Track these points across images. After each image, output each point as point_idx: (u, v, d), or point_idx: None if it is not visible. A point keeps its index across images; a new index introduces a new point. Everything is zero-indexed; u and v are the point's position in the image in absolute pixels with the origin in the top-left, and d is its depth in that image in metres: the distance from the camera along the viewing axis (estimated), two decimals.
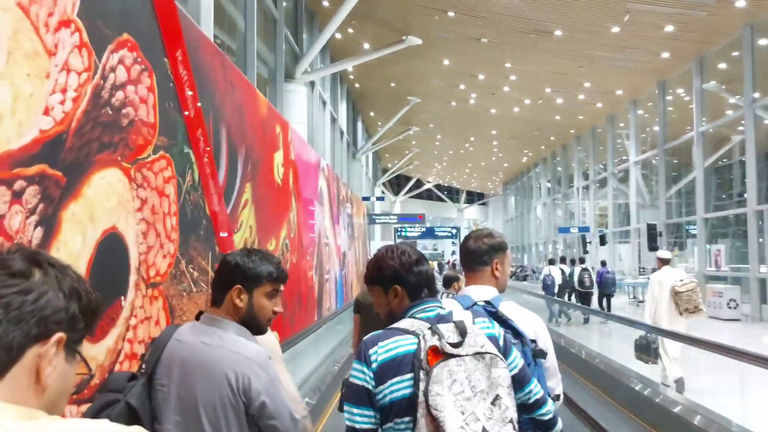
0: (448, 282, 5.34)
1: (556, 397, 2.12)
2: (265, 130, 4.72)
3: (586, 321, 13.51)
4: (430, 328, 1.57)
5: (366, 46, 19.00)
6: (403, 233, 30.00)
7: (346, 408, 1.60)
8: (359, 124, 30.09)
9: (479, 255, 2.18)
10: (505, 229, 48.16)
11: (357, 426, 1.56)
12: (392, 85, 24.61)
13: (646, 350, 7.36)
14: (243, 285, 1.77)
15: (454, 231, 30.96)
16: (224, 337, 1.71)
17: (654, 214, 22.08)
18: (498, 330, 1.75)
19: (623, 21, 14.31)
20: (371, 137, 28.96)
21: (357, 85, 25.47)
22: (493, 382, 1.52)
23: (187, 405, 1.65)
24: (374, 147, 30.75)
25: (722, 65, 16.89)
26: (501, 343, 1.71)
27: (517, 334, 1.93)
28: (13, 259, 0.81)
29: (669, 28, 14.68)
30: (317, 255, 7.24)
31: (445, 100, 25.43)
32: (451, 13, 15.53)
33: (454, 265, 28.19)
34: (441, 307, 1.71)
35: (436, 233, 31.29)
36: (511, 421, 1.51)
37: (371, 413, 1.57)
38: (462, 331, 1.56)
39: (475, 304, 1.95)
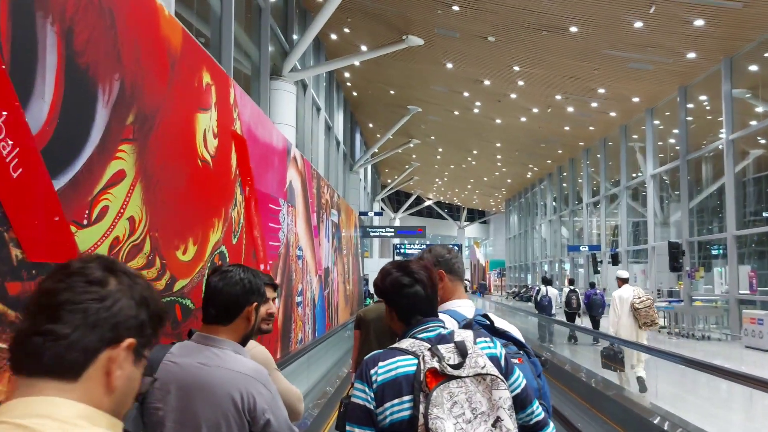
0: None
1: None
2: (175, 69, 3.09)
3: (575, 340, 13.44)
4: (429, 349, 1.56)
5: (363, 48, 17.54)
6: (402, 250, 28.44)
7: (348, 428, 1.58)
8: (357, 136, 28.72)
9: (462, 268, 2.18)
10: (507, 247, 46.71)
11: None
12: (391, 92, 23.20)
13: (612, 359, 8.34)
14: (257, 302, 1.81)
15: (455, 248, 29.25)
16: (222, 356, 1.68)
17: (666, 232, 20.51)
18: (500, 350, 1.69)
19: (648, 13, 12.80)
20: (370, 150, 27.48)
21: (354, 93, 24.09)
22: (494, 404, 1.50)
23: (188, 427, 1.61)
24: (373, 159, 29.27)
25: (753, 67, 15.36)
26: (502, 363, 1.66)
27: (521, 345, 1.91)
28: (90, 267, 0.87)
29: (698, 23, 13.17)
30: (283, 270, 5.52)
31: (448, 108, 23.93)
32: (455, 7, 14.02)
33: None
34: (443, 327, 1.69)
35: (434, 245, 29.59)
36: None
37: None
38: (463, 352, 1.55)
39: (472, 319, 1.93)
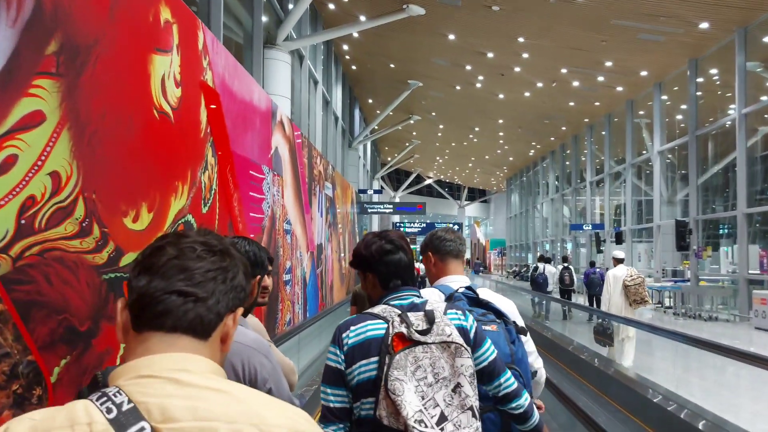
0: None
1: (534, 373, 2.19)
2: None
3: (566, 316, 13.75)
4: (399, 315, 1.63)
5: (362, 18, 16.88)
6: (401, 228, 28.01)
7: (321, 388, 1.67)
8: (356, 112, 28.08)
9: (457, 247, 2.33)
10: (507, 226, 46.27)
11: (331, 405, 1.63)
12: (391, 66, 22.53)
13: (602, 334, 9.09)
14: (261, 275, 1.87)
15: (456, 227, 28.59)
16: None
17: (671, 211, 20.02)
18: (470, 322, 1.75)
19: None
20: (369, 126, 26.86)
21: (353, 67, 23.40)
22: (456, 370, 1.56)
23: None
24: (372, 136, 28.65)
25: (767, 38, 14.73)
26: (471, 334, 1.73)
27: (499, 314, 2.02)
28: (210, 238, 0.92)
29: None
30: (268, 246, 4.97)
31: (449, 83, 23.26)
32: None
33: None
34: (417, 296, 1.75)
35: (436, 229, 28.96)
36: (471, 408, 1.55)
37: (344, 393, 1.63)
38: (430, 320, 1.61)
39: (456, 291, 2.08)
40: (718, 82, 18.24)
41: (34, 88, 1.94)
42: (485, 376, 1.72)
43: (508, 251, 45.21)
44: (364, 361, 1.59)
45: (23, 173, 1.89)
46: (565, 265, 15.42)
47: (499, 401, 1.77)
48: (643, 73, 19.02)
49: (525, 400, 1.78)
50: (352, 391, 1.61)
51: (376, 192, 28.28)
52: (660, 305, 16.97)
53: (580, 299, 16.09)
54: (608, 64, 18.30)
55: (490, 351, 1.74)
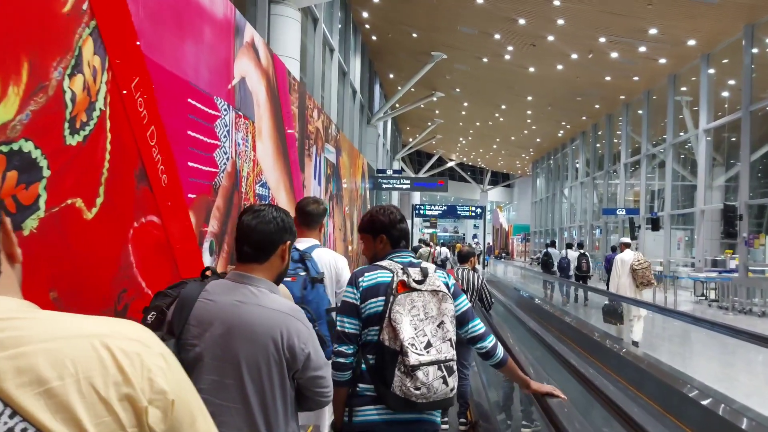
0: (465, 258, 5.49)
1: None
2: None
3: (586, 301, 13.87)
4: (402, 268, 2.24)
5: None
6: (422, 211, 26.61)
7: (338, 318, 2.28)
8: (376, 87, 26.62)
9: (319, 216, 3.15)
10: (532, 211, 44.60)
11: (346, 330, 2.24)
12: (414, 35, 21.03)
13: (612, 314, 9.15)
14: (290, 241, 1.84)
15: (478, 210, 26.94)
16: (259, 294, 1.70)
17: (710, 196, 18.31)
18: (452, 282, 2.37)
19: None
20: (390, 101, 25.41)
21: (374, 37, 21.93)
22: (441, 311, 2.18)
23: (226, 365, 1.62)
24: (393, 113, 27.18)
25: None
26: (452, 290, 2.33)
27: (306, 268, 2.78)
28: None
29: None
30: (226, 213, 3.57)
31: (476, 54, 21.66)
32: None
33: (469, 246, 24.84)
34: (413, 257, 2.37)
35: (458, 212, 27.39)
36: (449, 340, 2.17)
37: (357, 322, 2.24)
38: (425, 274, 2.24)
39: (302, 251, 2.86)
40: None
41: None
42: (458, 321, 2.32)
43: (532, 237, 43.57)
44: (373, 299, 2.21)
45: None
46: (582, 251, 15.85)
47: (469, 341, 2.42)
48: (691, 43, 17.25)
49: (489, 342, 2.42)
50: (364, 321, 2.23)
51: (395, 172, 26.86)
52: (704, 297, 15.38)
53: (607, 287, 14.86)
54: (652, 32, 16.57)
55: (463, 303, 2.39)
